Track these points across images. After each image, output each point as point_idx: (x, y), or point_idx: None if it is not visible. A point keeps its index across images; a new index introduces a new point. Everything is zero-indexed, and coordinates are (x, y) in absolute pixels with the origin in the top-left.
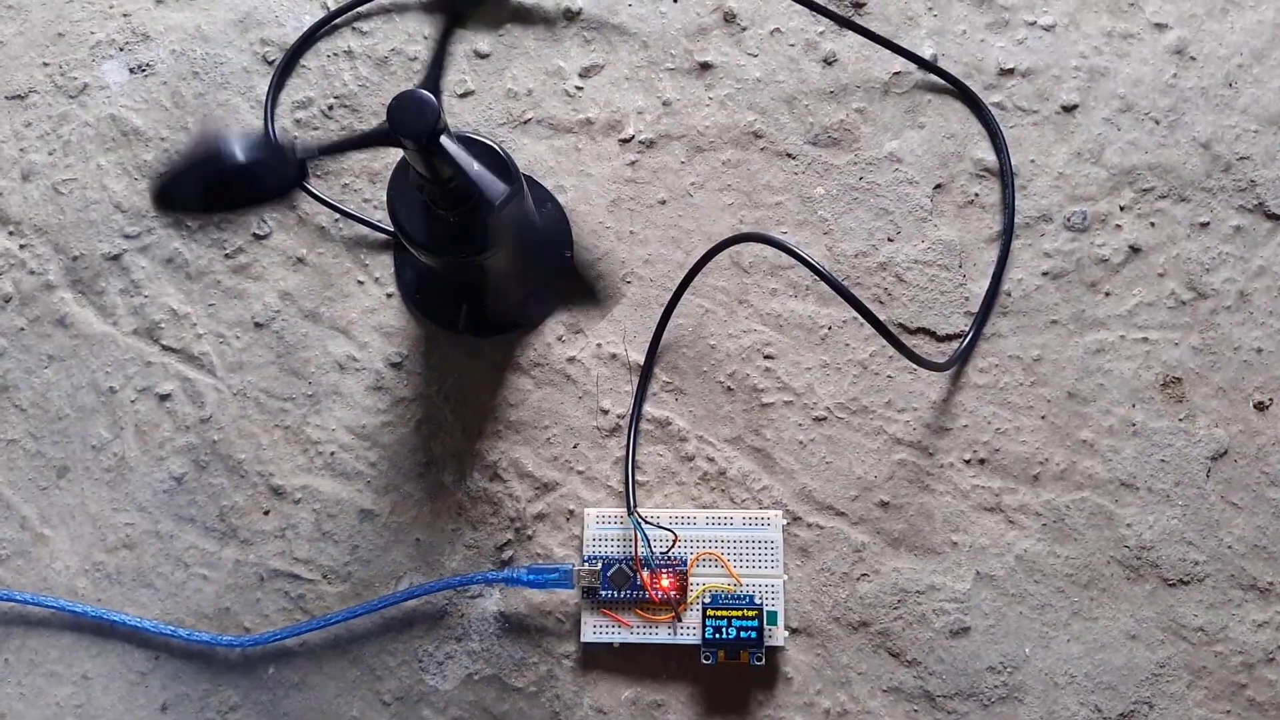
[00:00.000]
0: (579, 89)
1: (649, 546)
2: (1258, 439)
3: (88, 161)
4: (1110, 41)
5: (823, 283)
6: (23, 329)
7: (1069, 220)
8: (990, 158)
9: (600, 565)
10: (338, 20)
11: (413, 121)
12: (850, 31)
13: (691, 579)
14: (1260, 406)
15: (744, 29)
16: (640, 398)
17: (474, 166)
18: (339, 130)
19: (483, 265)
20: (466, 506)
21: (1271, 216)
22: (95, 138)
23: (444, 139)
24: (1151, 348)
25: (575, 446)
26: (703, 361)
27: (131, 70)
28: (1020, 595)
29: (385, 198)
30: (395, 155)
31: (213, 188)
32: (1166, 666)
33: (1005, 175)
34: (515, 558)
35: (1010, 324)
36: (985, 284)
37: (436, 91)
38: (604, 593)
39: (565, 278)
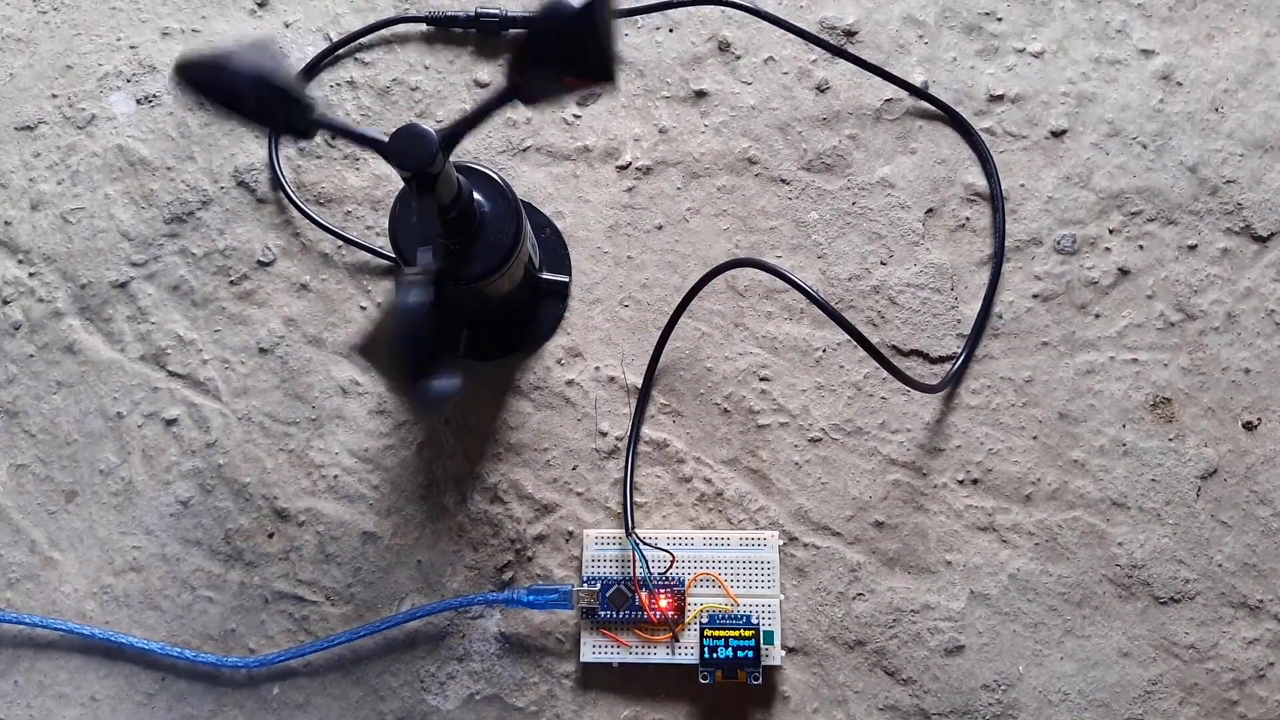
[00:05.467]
0: (577, 117)
1: (647, 567)
2: (1247, 458)
3: (95, 191)
4: (1098, 68)
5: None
6: (32, 356)
7: (1059, 243)
8: (981, 182)
9: (599, 586)
10: (340, 51)
11: (411, 155)
12: (842, 60)
13: (689, 599)
14: (1249, 426)
15: (738, 58)
16: (638, 420)
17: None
18: (342, 159)
19: (482, 291)
20: (467, 528)
21: (1258, 239)
22: (103, 167)
23: (436, 173)
24: (1141, 369)
25: (574, 468)
26: (699, 384)
27: (139, 101)
28: (1014, 614)
29: (387, 225)
30: (396, 184)
31: (234, 93)
32: (1159, 684)
33: (996, 199)
34: (515, 579)
35: (1002, 346)
36: (977, 306)
37: (453, 139)
38: (603, 613)
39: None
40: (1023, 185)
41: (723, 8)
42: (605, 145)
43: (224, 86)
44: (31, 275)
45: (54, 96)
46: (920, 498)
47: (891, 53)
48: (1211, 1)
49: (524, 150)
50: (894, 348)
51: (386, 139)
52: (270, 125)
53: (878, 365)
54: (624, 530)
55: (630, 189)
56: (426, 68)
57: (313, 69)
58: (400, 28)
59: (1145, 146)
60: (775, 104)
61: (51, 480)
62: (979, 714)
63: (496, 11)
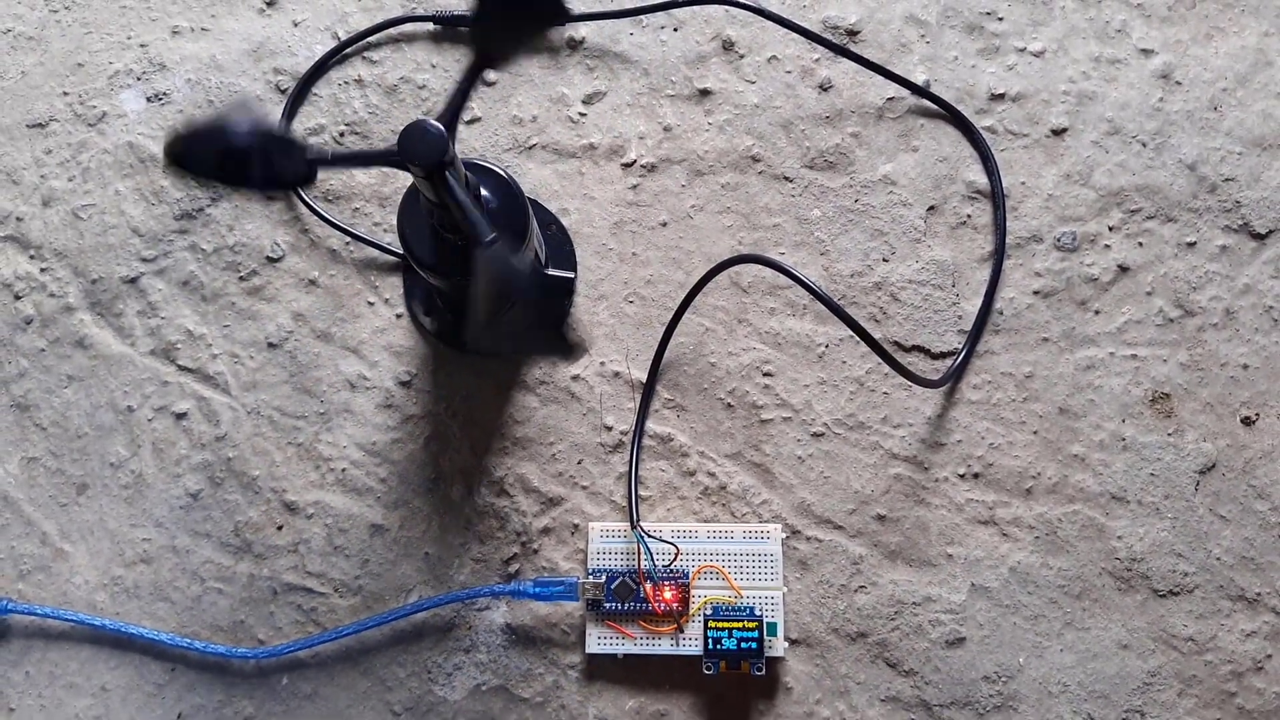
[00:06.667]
0: (582, 115)
1: (652, 560)
2: (1245, 453)
3: (106, 187)
4: (1098, 67)
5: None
6: (43, 350)
7: (1059, 240)
8: (982, 180)
9: (604, 578)
10: (348, 50)
11: (421, 150)
12: (845, 59)
13: (693, 591)
14: (1247, 421)
15: (742, 56)
16: (643, 414)
17: (469, 203)
18: None
19: None
20: (474, 521)
21: (1256, 236)
22: (113, 164)
23: (448, 174)
24: (1140, 364)
25: (579, 462)
26: (703, 379)
27: (149, 99)
28: (1014, 606)
29: (395, 222)
30: (404, 181)
31: (225, 157)
32: (1157, 675)
33: (996, 197)
34: (521, 571)
35: (1002, 341)
36: (978, 303)
37: (452, 124)
38: (608, 605)
39: (543, 326)
40: (1023, 183)
41: (726, 7)
42: (610, 143)
43: (214, 159)
44: (43, 270)
45: (65, 94)
46: (922, 491)
47: (894, 52)
48: (1211, 1)
49: (530, 148)
50: (896, 343)
51: (395, 147)
52: (272, 182)
53: (880, 360)
54: (629, 523)
55: (635, 186)
56: (434, 66)
57: (321, 68)
58: (408, 26)
59: (1145, 145)
60: (778, 102)
61: (63, 473)
62: (979, 705)
63: None
